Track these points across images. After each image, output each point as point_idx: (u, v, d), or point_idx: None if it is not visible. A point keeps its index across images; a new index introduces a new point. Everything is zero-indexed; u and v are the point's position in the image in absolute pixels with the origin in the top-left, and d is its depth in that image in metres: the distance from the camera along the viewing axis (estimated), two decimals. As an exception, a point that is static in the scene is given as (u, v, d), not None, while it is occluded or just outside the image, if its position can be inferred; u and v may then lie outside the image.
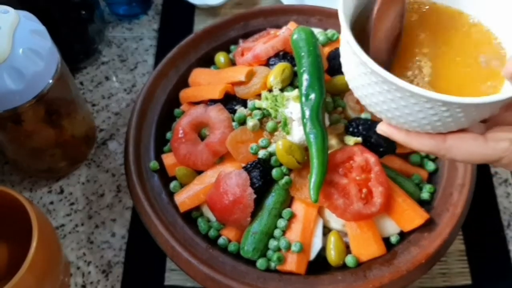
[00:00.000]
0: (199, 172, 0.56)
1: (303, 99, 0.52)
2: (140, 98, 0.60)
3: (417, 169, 0.56)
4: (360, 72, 0.37)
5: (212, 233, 0.53)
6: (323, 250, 0.52)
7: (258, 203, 0.51)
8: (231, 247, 0.52)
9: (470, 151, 0.37)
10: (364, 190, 0.50)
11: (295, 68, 0.58)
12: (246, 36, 0.65)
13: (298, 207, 0.52)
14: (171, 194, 0.55)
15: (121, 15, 0.78)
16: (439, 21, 0.43)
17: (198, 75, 0.62)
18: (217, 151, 0.54)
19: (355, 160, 0.51)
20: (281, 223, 0.51)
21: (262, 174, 0.52)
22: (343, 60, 0.41)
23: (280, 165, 0.52)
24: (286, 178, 0.52)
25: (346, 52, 0.40)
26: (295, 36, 0.58)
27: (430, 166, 0.56)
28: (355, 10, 0.41)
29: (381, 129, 0.40)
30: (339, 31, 0.64)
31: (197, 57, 0.64)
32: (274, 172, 0.52)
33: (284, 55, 0.59)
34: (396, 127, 0.39)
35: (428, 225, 0.51)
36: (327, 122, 0.53)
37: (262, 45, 0.60)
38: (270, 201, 0.52)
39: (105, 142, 0.66)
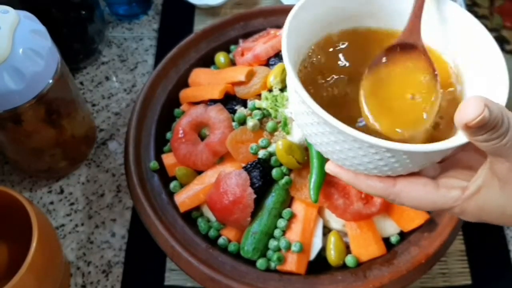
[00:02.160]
0: (199, 172, 0.56)
1: (303, 99, 0.52)
2: (140, 98, 0.60)
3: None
4: (302, 111, 0.36)
5: (212, 233, 0.53)
6: (323, 250, 0.52)
7: (258, 203, 0.51)
8: (231, 247, 0.52)
9: (419, 198, 0.35)
10: (364, 190, 0.50)
11: (295, 68, 0.58)
12: (246, 36, 0.65)
13: (298, 207, 0.52)
14: (171, 194, 0.55)
15: (121, 15, 0.78)
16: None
17: (198, 75, 0.62)
18: (217, 151, 0.54)
19: (355, 160, 0.51)
20: (281, 223, 0.51)
21: (262, 174, 0.52)
22: (288, 94, 0.40)
23: (280, 165, 0.52)
24: (286, 178, 0.52)
25: (288, 86, 0.39)
26: (295, 36, 0.58)
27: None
28: (303, 45, 0.40)
29: (328, 168, 0.38)
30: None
31: (197, 57, 0.64)
32: (274, 172, 0.52)
33: (284, 55, 0.59)
34: (343, 167, 0.37)
35: (428, 225, 0.51)
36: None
37: (262, 45, 0.60)
38: (270, 201, 0.52)
39: (105, 142, 0.66)
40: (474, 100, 0.29)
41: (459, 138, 0.32)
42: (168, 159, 0.57)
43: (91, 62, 0.73)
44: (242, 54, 0.61)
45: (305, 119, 0.36)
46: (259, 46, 0.60)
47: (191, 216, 0.55)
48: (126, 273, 0.57)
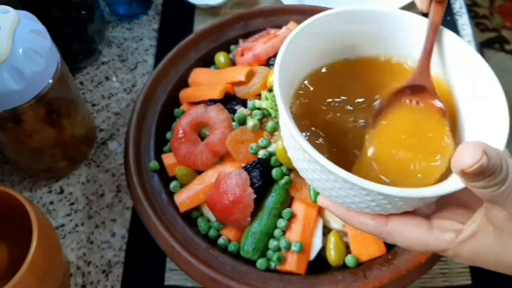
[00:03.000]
0: (199, 172, 0.56)
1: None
2: (140, 98, 0.60)
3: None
4: (293, 146, 0.35)
5: (212, 233, 0.53)
6: (323, 250, 0.52)
7: (258, 203, 0.51)
8: (231, 247, 0.52)
9: (412, 239, 0.34)
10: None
11: (295, 68, 0.58)
12: (246, 36, 0.65)
13: (298, 207, 0.52)
14: (171, 194, 0.55)
15: (121, 15, 0.78)
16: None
17: (198, 75, 0.62)
18: (217, 151, 0.54)
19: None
20: (281, 223, 0.51)
21: (262, 174, 0.52)
22: (280, 124, 0.40)
23: (280, 165, 0.52)
24: (286, 178, 0.52)
25: (280, 120, 0.39)
26: (295, 36, 0.58)
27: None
28: (296, 77, 0.40)
29: (320, 202, 0.38)
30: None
31: (197, 57, 0.64)
32: (274, 172, 0.52)
33: (284, 55, 0.59)
34: (335, 203, 0.36)
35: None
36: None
37: (262, 45, 0.60)
38: (270, 201, 0.52)
39: (105, 142, 0.66)
40: (472, 145, 0.27)
41: (455, 183, 0.31)
42: (168, 159, 0.57)
43: (91, 62, 0.73)
44: (242, 54, 0.61)
45: (296, 154, 0.36)
46: (259, 46, 0.60)
47: (191, 216, 0.55)
48: (126, 273, 0.57)
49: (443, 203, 0.36)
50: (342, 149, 0.38)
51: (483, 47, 1.55)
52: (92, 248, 0.58)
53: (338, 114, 0.40)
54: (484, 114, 0.36)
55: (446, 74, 0.40)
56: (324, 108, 0.40)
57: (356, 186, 0.31)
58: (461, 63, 0.38)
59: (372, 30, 0.41)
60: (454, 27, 0.76)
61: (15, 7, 0.49)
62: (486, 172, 0.28)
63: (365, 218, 0.35)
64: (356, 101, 0.40)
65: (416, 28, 0.40)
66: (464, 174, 0.28)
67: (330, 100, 0.40)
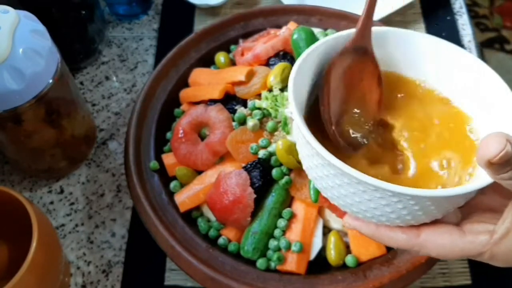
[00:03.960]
0: (199, 172, 0.56)
1: (303, 99, 0.52)
2: (140, 98, 0.60)
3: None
4: (316, 163, 0.34)
5: (212, 233, 0.53)
6: (323, 250, 0.52)
7: (258, 203, 0.51)
8: (231, 247, 0.52)
9: (446, 247, 0.34)
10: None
11: (295, 68, 0.58)
12: (246, 36, 0.65)
13: (298, 207, 0.52)
14: (171, 194, 0.55)
15: (121, 15, 0.78)
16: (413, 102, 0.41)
17: (198, 75, 0.62)
18: (217, 151, 0.54)
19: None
20: (281, 223, 0.51)
21: (262, 174, 0.52)
22: (298, 146, 0.39)
23: (280, 165, 0.52)
24: (286, 178, 0.52)
25: (299, 140, 0.38)
26: (295, 36, 0.58)
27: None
28: (307, 97, 0.40)
29: (347, 222, 0.37)
30: (339, 31, 0.64)
31: (197, 57, 0.64)
32: (274, 172, 0.52)
33: (284, 55, 0.59)
34: (363, 220, 0.36)
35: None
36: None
37: (262, 45, 0.60)
38: (270, 201, 0.52)
39: (105, 142, 0.66)
40: (495, 136, 0.28)
41: (483, 179, 0.31)
42: (168, 159, 0.57)
43: (91, 62, 0.73)
44: (242, 54, 0.61)
45: (319, 171, 0.35)
46: (259, 46, 0.60)
47: (191, 216, 0.55)
48: (126, 273, 0.57)
49: (469, 210, 0.36)
50: (369, 159, 0.38)
51: (483, 47, 1.55)
52: (92, 248, 0.58)
53: (359, 122, 0.40)
54: (496, 112, 0.37)
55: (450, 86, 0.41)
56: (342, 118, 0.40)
57: (387, 193, 0.31)
58: (461, 70, 0.39)
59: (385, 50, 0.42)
60: (454, 27, 0.76)
61: (15, 7, 0.49)
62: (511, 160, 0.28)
63: (395, 233, 0.35)
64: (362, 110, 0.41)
65: (428, 48, 0.41)
66: (490, 165, 0.29)
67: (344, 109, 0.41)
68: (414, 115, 0.40)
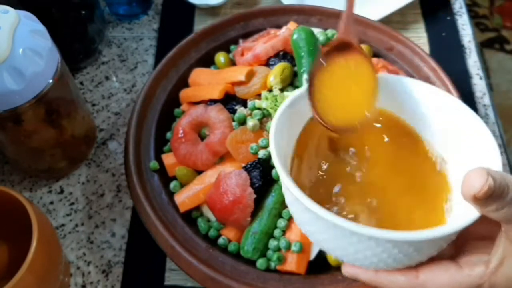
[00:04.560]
0: (199, 172, 0.56)
1: (303, 99, 0.52)
2: (140, 98, 0.60)
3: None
4: (308, 217, 0.35)
5: (212, 233, 0.53)
6: (323, 250, 0.52)
7: (258, 203, 0.51)
8: (231, 247, 0.52)
9: (445, 284, 0.34)
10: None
11: (295, 68, 0.58)
12: (246, 36, 0.65)
13: (298, 207, 0.52)
14: (171, 194, 0.55)
15: (121, 15, 0.78)
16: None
17: (198, 75, 0.62)
18: (217, 151, 0.54)
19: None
20: (281, 223, 0.51)
21: (262, 174, 0.52)
22: (287, 201, 0.40)
23: (280, 165, 0.52)
24: (286, 178, 0.51)
25: (289, 198, 0.38)
26: (295, 36, 0.58)
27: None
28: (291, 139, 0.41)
29: (346, 271, 0.38)
30: (339, 31, 0.64)
31: (197, 57, 0.64)
32: (274, 172, 0.52)
33: (284, 55, 0.59)
34: (360, 267, 0.36)
35: (428, 225, 0.51)
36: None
37: (262, 45, 0.60)
38: (270, 201, 0.52)
39: (105, 142, 0.66)
40: (476, 171, 0.29)
41: (471, 214, 0.32)
42: (168, 159, 0.57)
43: (91, 62, 0.73)
44: (242, 54, 0.61)
45: (313, 225, 0.35)
46: (259, 46, 0.60)
47: (191, 216, 0.55)
48: (126, 273, 0.57)
49: (462, 241, 0.36)
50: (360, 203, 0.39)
51: (483, 47, 1.55)
52: (92, 248, 0.58)
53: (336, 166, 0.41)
54: (471, 149, 0.38)
55: (423, 124, 0.43)
56: (325, 163, 0.41)
57: (382, 241, 0.32)
58: (439, 110, 0.41)
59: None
60: (454, 27, 0.76)
61: (15, 7, 0.49)
62: (495, 193, 0.29)
63: (395, 276, 0.35)
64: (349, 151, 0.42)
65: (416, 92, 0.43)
66: (476, 200, 0.30)
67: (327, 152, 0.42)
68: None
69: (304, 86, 0.41)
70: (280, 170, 0.35)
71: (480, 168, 0.30)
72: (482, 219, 0.33)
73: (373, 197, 0.39)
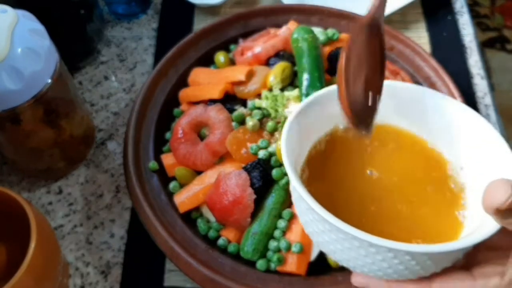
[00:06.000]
0: (199, 172, 0.56)
1: (303, 99, 0.52)
2: (139, 98, 0.60)
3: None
4: (322, 228, 0.34)
5: (211, 233, 0.53)
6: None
7: (258, 204, 0.51)
8: (231, 248, 0.52)
9: None
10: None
11: (295, 68, 0.58)
12: (246, 35, 0.65)
13: (298, 208, 0.52)
14: (170, 195, 0.55)
15: (120, 14, 0.78)
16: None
17: (198, 74, 0.62)
18: (216, 151, 0.54)
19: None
20: (281, 223, 0.51)
21: (262, 174, 0.51)
22: (297, 210, 0.39)
23: (280, 165, 0.52)
24: (286, 178, 0.51)
25: (298, 202, 0.38)
26: (295, 36, 0.58)
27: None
28: (302, 147, 0.41)
29: (356, 280, 0.37)
30: (339, 31, 0.64)
31: (196, 57, 0.64)
32: (274, 172, 0.52)
33: (284, 54, 0.59)
34: (372, 277, 0.36)
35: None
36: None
37: (262, 44, 0.60)
38: (270, 201, 0.51)
39: (104, 142, 0.66)
40: (500, 183, 0.29)
41: (490, 225, 0.32)
42: (167, 159, 0.57)
43: (90, 61, 0.73)
44: (242, 54, 0.61)
45: (325, 236, 0.34)
46: (259, 45, 0.60)
47: (190, 217, 0.55)
48: (125, 274, 0.56)
49: (474, 251, 0.36)
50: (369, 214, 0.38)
51: (484, 46, 1.55)
52: (91, 249, 0.58)
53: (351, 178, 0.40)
54: (486, 157, 0.37)
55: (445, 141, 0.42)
56: (336, 171, 0.40)
57: (401, 253, 0.31)
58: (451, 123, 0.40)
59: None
60: (455, 27, 0.76)
61: (14, 6, 0.48)
62: None
63: (408, 287, 0.35)
64: (363, 160, 0.41)
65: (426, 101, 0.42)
66: (498, 212, 0.29)
67: (339, 162, 0.41)
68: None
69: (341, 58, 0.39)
70: (293, 178, 0.34)
71: (503, 180, 0.29)
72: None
73: (386, 207, 0.38)
